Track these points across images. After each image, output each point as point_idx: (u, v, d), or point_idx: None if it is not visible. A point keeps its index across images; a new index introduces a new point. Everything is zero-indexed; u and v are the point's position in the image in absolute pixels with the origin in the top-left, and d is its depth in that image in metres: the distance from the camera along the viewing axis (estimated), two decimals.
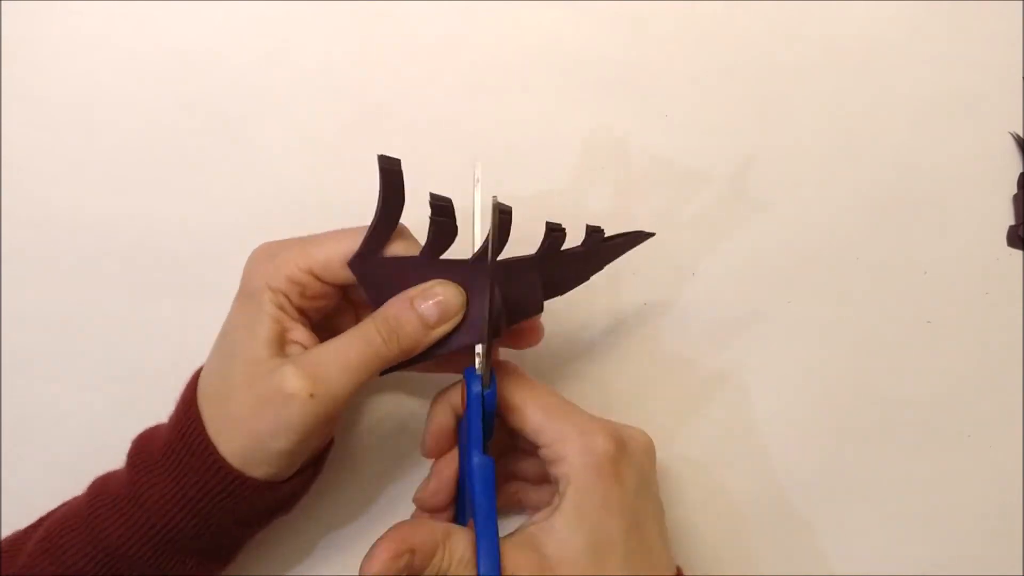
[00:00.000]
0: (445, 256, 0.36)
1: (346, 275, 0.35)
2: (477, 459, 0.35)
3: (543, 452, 0.36)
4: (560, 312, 0.45)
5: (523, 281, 0.36)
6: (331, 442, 0.40)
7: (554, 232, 0.36)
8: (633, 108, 0.46)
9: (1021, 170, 0.46)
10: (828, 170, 0.46)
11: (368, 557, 0.33)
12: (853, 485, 0.44)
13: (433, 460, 0.39)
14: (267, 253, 0.36)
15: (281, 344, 0.35)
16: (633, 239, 0.39)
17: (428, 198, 0.34)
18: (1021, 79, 0.47)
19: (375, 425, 0.44)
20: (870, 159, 0.46)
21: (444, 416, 0.38)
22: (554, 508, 0.35)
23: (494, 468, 0.35)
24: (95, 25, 0.45)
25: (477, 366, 0.36)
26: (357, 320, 0.40)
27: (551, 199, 0.46)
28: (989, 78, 0.47)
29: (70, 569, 0.34)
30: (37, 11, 0.45)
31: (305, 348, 0.35)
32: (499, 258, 0.35)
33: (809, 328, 0.45)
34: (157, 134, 0.45)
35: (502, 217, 0.34)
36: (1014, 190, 0.46)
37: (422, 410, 0.40)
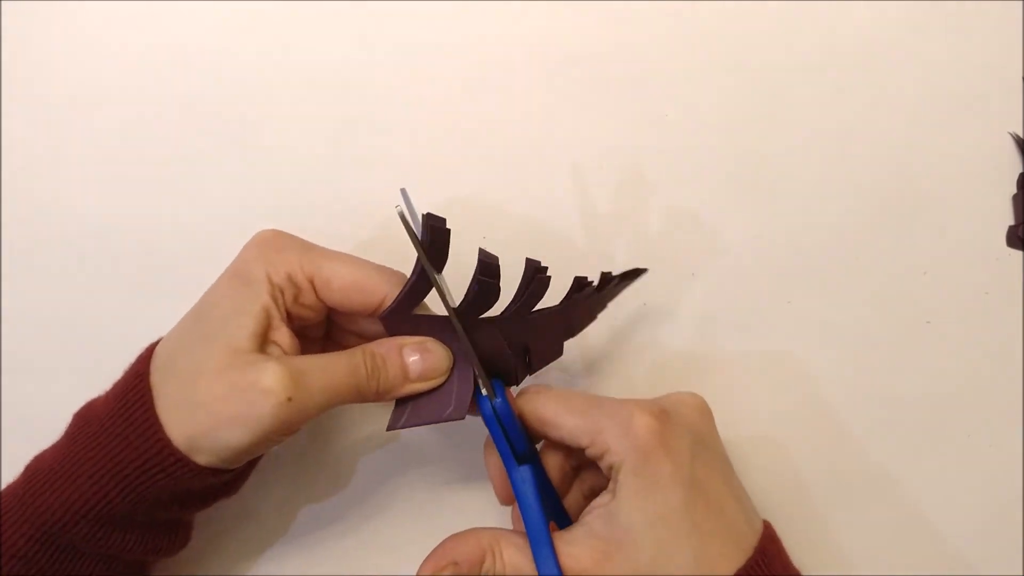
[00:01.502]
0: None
1: (342, 300, 0.35)
2: (513, 473, 0.35)
3: (589, 452, 0.35)
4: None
5: (495, 351, 0.36)
6: None
7: (529, 272, 0.35)
8: (633, 108, 0.46)
9: (1021, 170, 0.46)
10: (828, 170, 0.46)
11: None
12: (852, 485, 0.44)
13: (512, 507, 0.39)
14: (276, 243, 0.36)
15: (264, 340, 0.34)
16: (628, 278, 0.40)
17: (477, 253, 0.33)
18: (1021, 79, 0.47)
19: (374, 433, 0.44)
20: (870, 159, 0.46)
21: (494, 460, 0.37)
22: (609, 496, 0.34)
23: (532, 474, 0.35)
24: (95, 25, 0.45)
25: (482, 390, 0.35)
26: (326, 347, 0.40)
27: (551, 199, 0.46)
28: (989, 78, 0.47)
29: (9, 549, 0.33)
30: (37, 11, 0.45)
31: (283, 352, 0.35)
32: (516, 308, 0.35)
33: (809, 328, 0.45)
34: (157, 134, 0.45)
35: (485, 285, 0.33)
36: (1014, 190, 0.46)
37: None
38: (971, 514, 0.44)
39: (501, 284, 0.34)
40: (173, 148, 0.45)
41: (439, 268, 0.34)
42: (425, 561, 0.33)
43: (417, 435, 0.44)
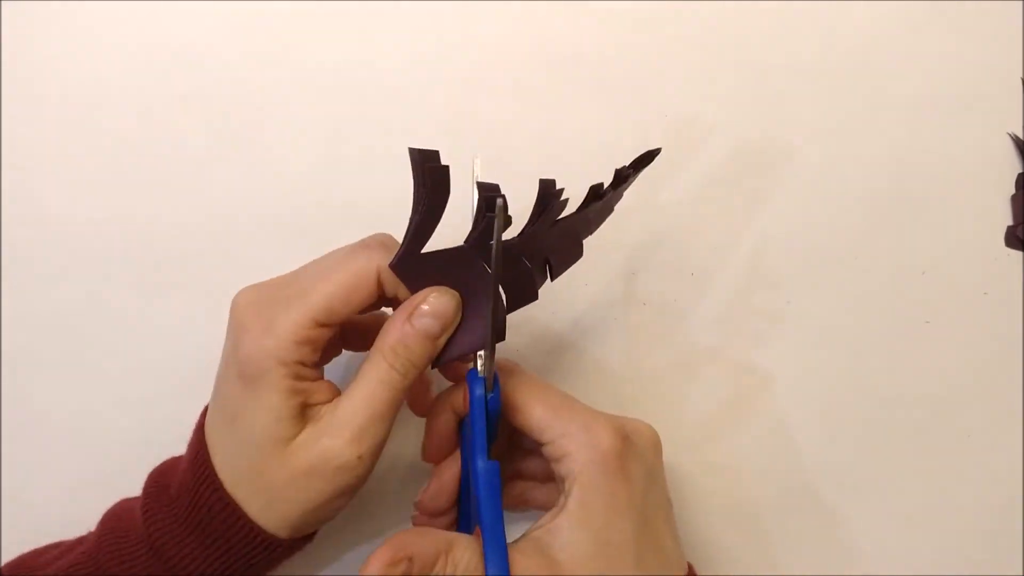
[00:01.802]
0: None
1: (350, 310, 0.34)
2: (482, 464, 0.34)
3: (546, 449, 0.35)
4: (558, 312, 0.45)
5: (517, 270, 0.35)
6: None
7: (545, 190, 0.34)
8: (633, 108, 0.46)
9: (1020, 171, 0.46)
10: (827, 170, 0.46)
11: (365, 563, 0.32)
12: (852, 485, 0.44)
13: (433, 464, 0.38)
14: (261, 322, 0.33)
15: (304, 411, 0.34)
16: (642, 164, 0.37)
17: (478, 189, 0.32)
18: (1021, 79, 0.47)
19: None
20: (869, 159, 0.46)
21: (445, 419, 0.37)
22: (560, 509, 0.34)
23: (500, 473, 0.34)
24: (95, 25, 0.45)
25: (480, 368, 0.35)
26: (345, 343, 0.39)
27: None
28: (989, 78, 0.47)
29: None
30: (37, 11, 0.45)
31: (324, 403, 0.34)
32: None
33: (808, 328, 0.45)
34: (157, 134, 0.45)
35: (492, 220, 0.32)
36: (1013, 190, 0.46)
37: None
38: (971, 514, 0.44)
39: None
40: (173, 148, 0.45)
41: (442, 203, 0.33)
42: (381, 549, 0.32)
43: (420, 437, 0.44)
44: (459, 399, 0.36)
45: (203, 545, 0.34)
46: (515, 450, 0.40)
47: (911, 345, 0.45)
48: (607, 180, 0.46)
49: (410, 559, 0.32)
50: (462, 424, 0.37)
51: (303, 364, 0.33)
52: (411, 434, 0.43)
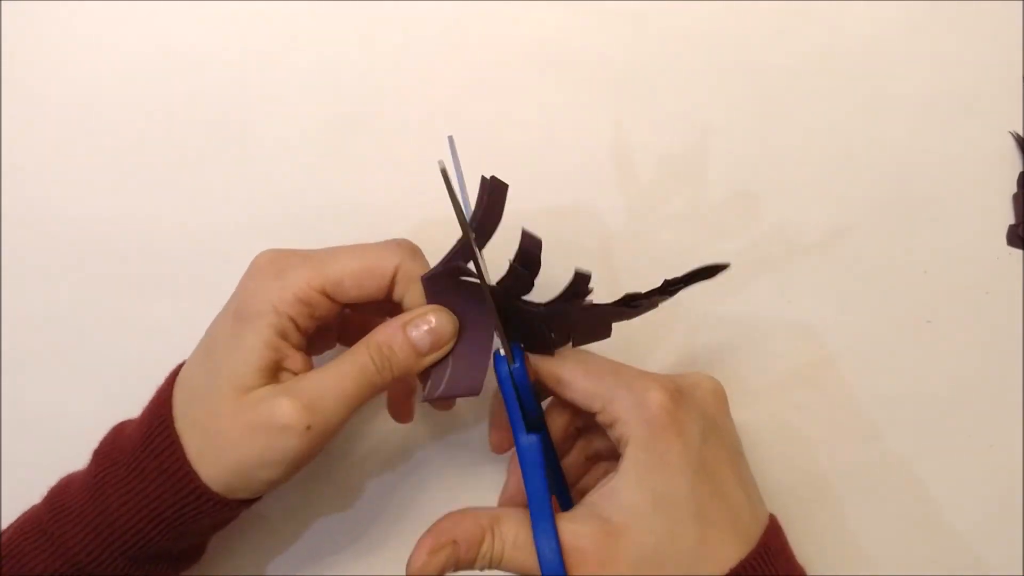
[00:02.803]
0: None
1: (358, 293, 0.35)
2: (522, 439, 0.34)
3: (599, 418, 0.35)
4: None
5: (536, 334, 0.35)
6: None
7: (578, 283, 0.33)
8: (632, 108, 0.46)
9: (1021, 169, 0.46)
10: (828, 169, 0.46)
11: (411, 556, 0.32)
12: (852, 484, 0.44)
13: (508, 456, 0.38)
14: (274, 268, 0.34)
15: (275, 372, 0.34)
16: (697, 277, 0.35)
17: (521, 235, 0.32)
18: (1021, 79, 0.47)
19: (379, 427, 0.44)
20: (870, 158, 0.46)
21: (503, 409, 0.36)
22: (614, 472, 0.33)
23: (540, 445, 0.34)
24: (95, 25, 0.45)
25: (501, 349, 0.34)
26: (340, 338, 0.40)
27: (551, 199, 0.45)
28: (989, 77, 0.47)
29: None
30: (37, 11, 0.45)
31: (296, 374, 0.34)
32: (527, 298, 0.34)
33: (809, 327, 0.45)
34: (156, 134, 0.45)
35: (519, 273, 0.32)
36: (1014, 189, 0.46)
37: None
38: (971, 513, 0.44)
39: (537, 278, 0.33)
40: (173, 148, 0.45)
41: (488, 235, 0.33)
42: (423, 538, 0.32)
43: (426, 441, 0.44)
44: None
45: (140, 483, 0.34)
46: (587, 431, 0.39)
47: (912, 344, 0.45)
48: (607, 179, 0.46)
49: (454, 542, 0.32)
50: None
51: (294, 323, 0.34)
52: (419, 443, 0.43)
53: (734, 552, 0.33)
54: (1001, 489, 0.44)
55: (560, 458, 0.38)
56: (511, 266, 0.32)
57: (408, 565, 0.32)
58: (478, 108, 0.46)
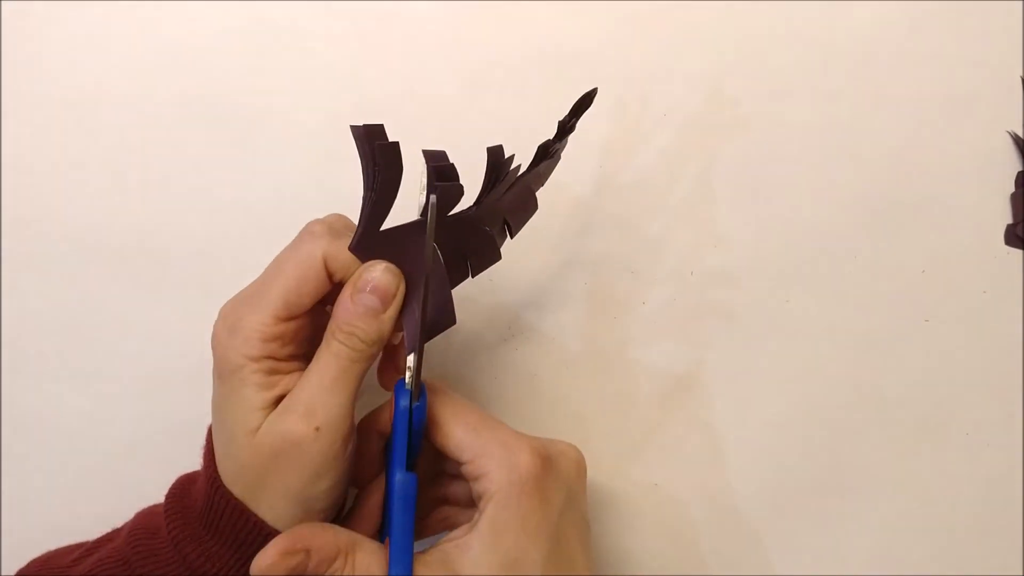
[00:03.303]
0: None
1: (311, 302, 0.35)
2: (399, 475, 0.33)
3: (466, 469, 0.34)
4: (557, 312, 0.45)
5: (479, 236, 0.35)
6: None
7: (494, 159, 0.34)
8: (632, 107, 0.46)
9: (1019, 169, 0.46)
10: (827, 168, 0.46)
11: (260, 553, 0.32)
12: (852, 484, 0.44)
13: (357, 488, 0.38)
14: (227, 327, 0.34)
15: (276, 403, 0.34)
16: (581, 108, 0.37)
17: (425, 160, 0.32)
18: (1020, 78, 0.47)
19: None
20: (869, 158, 0.46)
21: (369, 441, 0.36)
22: (472, 526, 0.33)
23: (416, 485, 0.33)
24: (95, 25, 0.45)
25: (407, 379, 0.34)
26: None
27: (551, 199, 0.45)
28: (988, 77, 0.47)
29: None
30: (37, 11, 0.45)
31: None
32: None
33: (807, 327, 0.45)
34: (157, 134, 0.45)
35: (444, 190, 0.32)
36: (1012, 189, 0.46)
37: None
38: (970, 513, 0.44)
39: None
40: (173, 148, 0.45)
41: (395, 180, 0.33)
42: (278, 538, 0.32)
43: None
44: (383, 420, 0.36)
45: (218, 544, 0.34)
46: (441, 475, 0.39)
47: (910, 343, 0.45)
48: (607, 179, 0.46)
49: (307, 551, 0.31)
50: (388, 443, 0.36)
51: (274, 359, 0.34)
52: None
53: None
54: (1000, 488, 0.44)
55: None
56: (430, 186, 0.32)
57: (255, 562, 0.32)
58: (478, 108, 0.46)
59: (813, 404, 0.44)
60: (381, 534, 0.37)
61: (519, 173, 0.36)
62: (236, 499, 0.34)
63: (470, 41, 0.46)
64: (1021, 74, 0.47)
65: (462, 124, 0.46)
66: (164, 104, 0.45)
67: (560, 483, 0.34)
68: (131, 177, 0.45)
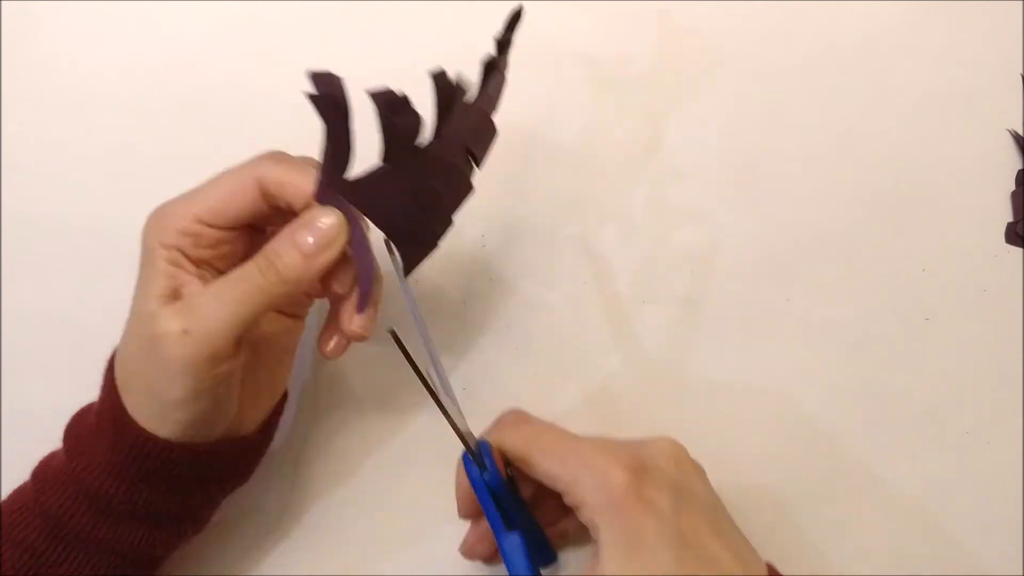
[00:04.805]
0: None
1: (235, 218, 0.35)
2: (504, 542, 0.34)
3: (566, 500, 0.34)
4: (557, 312, 0.45)
5: (446, 170, 0.35)
6: (276, 411, 0.39)
7: (439, 85, 0.33)
8: (632, 107, 0.46)
9: (1020, 167, 0.46)
10: (827, 167, 0.46)
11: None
12: (852, 483, 0.44)
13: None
14: (158, 213, 0.36)
15: (175, 299, 0.34)
16: (513, 24, 0.37)
17: (372, 99, 0.31)
18: (1020, 77, 0.47)
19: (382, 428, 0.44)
20: (869, 156, 0.46)
21: (465, 484, 0.37)
22: (594, 558, 0.33)
23: (521, 542, 0.34)
24: (95, 25, 0.46)
25: (471, 449, 0.35)
26: None
27: (551, 199, 0.46)
28: (988, 76, 0.47)
29: (22, 545, 0.34)
30: (37, 11, 0.45)
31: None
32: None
33: (808, 325, 0.45)
34: (157, 133, 0.45)
35: (395, 123, 0.32)
36: (1012, 187, 0.46)
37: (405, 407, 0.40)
38: (970, 512, 0.44)
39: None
40: (173, 147, 0.45)
41: (344, 120, 0.32)
42: None
43: (419, 432, 0.44)
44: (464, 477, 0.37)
45: (98, 442, 0.34)
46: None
47: (910, 342, 0.45)
48: (606, 179, 0.46)
49: None
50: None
51: (183, 252, 0.34)
52: (414, 433, 0.43)
53: None
54: (1000, 487, 0.44)
55: (534, 509, 0.38)
56: (383, 125, 0.32)
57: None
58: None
59: (812, 403, 0.44)
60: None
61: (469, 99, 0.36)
62: (116, 393, 0.34)
63: (469, 41, 0.46)
64: (1021, 73, 0.47)
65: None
66: (163, 103, 0.45)
67: (661, 484, 0.33)
68: (131, 176, 0.45)
